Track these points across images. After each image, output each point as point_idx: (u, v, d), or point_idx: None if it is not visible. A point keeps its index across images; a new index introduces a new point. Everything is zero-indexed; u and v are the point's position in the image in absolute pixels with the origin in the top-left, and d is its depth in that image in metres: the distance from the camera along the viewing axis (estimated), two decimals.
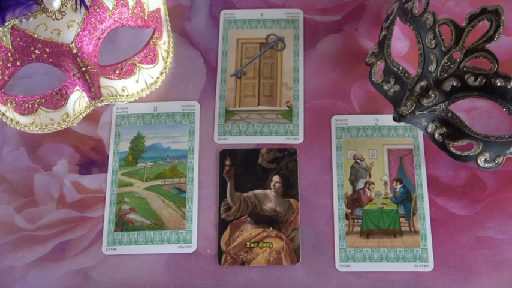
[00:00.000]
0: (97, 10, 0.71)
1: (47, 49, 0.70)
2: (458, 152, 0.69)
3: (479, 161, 0.69)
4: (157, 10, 0.78)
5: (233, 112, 0.78)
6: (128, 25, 0.74)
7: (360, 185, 0.74)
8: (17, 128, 0.76)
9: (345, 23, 0.81)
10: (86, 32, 0.71)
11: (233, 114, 0.78)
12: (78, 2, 0.70)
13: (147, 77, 0.77)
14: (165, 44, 0.79)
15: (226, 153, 0.77)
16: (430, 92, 0.66)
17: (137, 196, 0.75)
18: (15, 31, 0.70)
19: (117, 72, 0.75)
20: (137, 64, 0.76)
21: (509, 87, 0.63)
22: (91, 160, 0.77)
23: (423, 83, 0.67)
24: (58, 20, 0.70)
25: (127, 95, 0.76)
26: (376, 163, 0.75)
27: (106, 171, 0.77)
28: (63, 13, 0.70)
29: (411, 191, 0.74)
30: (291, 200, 0.74)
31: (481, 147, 0.68)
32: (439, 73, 0.66)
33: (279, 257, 0.72)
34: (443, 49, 0.65)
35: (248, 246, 0.73)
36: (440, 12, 0.80)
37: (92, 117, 0.78)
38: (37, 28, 0.70)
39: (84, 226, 0.74)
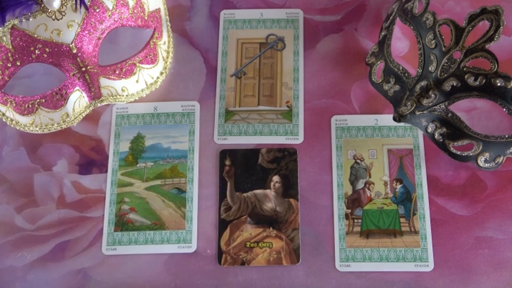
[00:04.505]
0: (97, 10, 0.72)
1: (47, 49, 0.70)
2: (458, 152, 0.69)
3: (479, 161, 0.69)
4: (157, 10, 0.78)
5: (233, 112, 0.78)
6: (128, 25, 0.75)
7: (360, 185, 0.74)
8: (17, 128, 0.76)
9: (345, 23, 0.81)
10: (86, 32, 0.71)
11: (233, 114, 0.78)
12: (78, 2, 0.70)
13: (147, 77, 0.77)
14: (165, 44, 0.79)
15: (226, 153, 0.77)
16: (430, 92, 0.66)
17: (137, 196, 0.75)
18: (15, 31, 0.70)
19: (117, 72, 0.75)
20: (137, 64, 0.76)
21: (509, 87, 0.63)
22: (91, 160, 0.77)
23: (423, 83, 0.67)
24: (58, 20, 0.70)
25: (127, 95, 0.76)
26: (376, 163, 0.75)
27: (106, 171, 0.77)
28: (63, 13, 0.70)
29: (411, 191, 0.74)
30: (291, 200, 0.74)
31: (481, 147, 0.68)
32: (439, 73, 0.66)
33: (279, 257, 0.72)
34: (443, 49, 0.65)
35: (248, 246, 0.73)
36: (440, 12, 0.80)
37: (92, 117, 0.78)
38: (37, 28, 0.70)
39: (84, 226, 0.74)
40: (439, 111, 0.68)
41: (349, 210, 0.73)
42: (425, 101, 0.67)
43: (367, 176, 0.75)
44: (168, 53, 0.80)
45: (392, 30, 0.72)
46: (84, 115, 0.76)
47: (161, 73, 0.79)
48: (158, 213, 0.74)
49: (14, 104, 0.74)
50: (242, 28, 0.82)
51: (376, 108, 0.77)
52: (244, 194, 0.75)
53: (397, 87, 0.71)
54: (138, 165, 0.77)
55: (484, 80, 0.64)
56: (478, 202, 0.73)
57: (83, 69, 0.72)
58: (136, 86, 0.77)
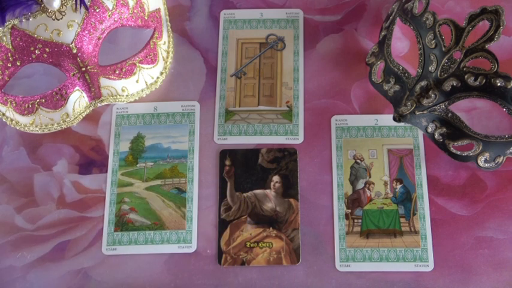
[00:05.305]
0: (97, 10, 0.72)
1: (47, 49, 0.70)
2: (458, 152, 0.69)
3: (479, 161, 0.69)
4: (157, 10, 0.78)
5: (233, 112, 0.78)
6: (128, 25, 0.75)
7: (360, 185, 0.74)
8: (17, 128, 0.76)
9: (345, 23, 0.81)
10: (86, 32, 0.71)
11: (233, 114, 0.78)
12: (78, 2, 0.70)
13: (147, 77, 0.77)
14: (165, 44, 0.79)
15: (226, 153, 0.77)
16: (430, 92, 0.66)
17: (137, 196, 0.75)
18: (15, 31, 0.70)
19: (117, 72, 0.75)
20: (137, 64, 0.76)
21: (509, 87, 0.63)
22: (91, 160, 0.77)
23: (423, 83, 0.67)
24: (58, 20, 0.70)
25: (127, 95, 0.76)
26: (376, 163, 0.75)
27: (106, 171, 0.77)
28: (63, 13, 0.70)
29: (411, 191, 0.74)
30: (291, 200, 0.74)
31: (481, 147, 0.68)
32: (439, 73, 0.66)
33: (279, 257, 0.72)
34: (443, 49, 0.65)
35: (248, 246, 0.73)
36: (440, 12, 0.80)
37: (92, 117, 0.78)
38: (37, 28, 0.70)
39: (84, 226, 0.74)
40: (439, 111, 0.68)
41: (349, 210, 0.73)
42: (425, 101, 0.67)
43: (367, 176, 0.75)
44: (168, 53, 0.80)
45: (392, 30, 0.72)
46: (84, 115, 0.76)
47: (161, 73, 0.79)
48: (158, 213, 0.74)
49: (14, 104, 0.74)
50: (242, 28, 0.82)
51: (376, 108, 0.77)
52: (244, 194, 0.75)
53: (397, 87, 0.71)
54: (138, 165, 0.77)
55: (484, 80, 0.64)
56: (478, 202, 0.73)
57: (83, 69, 0.72)
58: (136, 86, 0.77)
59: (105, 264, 0.73)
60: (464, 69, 0.64)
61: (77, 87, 0.73)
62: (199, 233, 0.74)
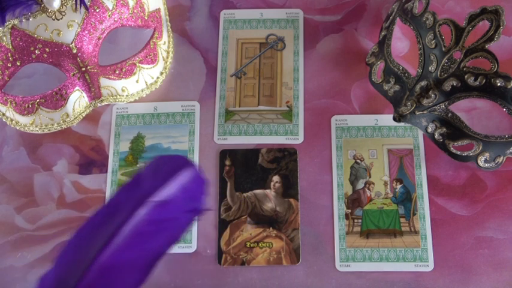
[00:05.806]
0: (97, 10, 0.72)
1: (47, 49, 0.70)
2: (458, 152, 0.69)
3: (479, 161, 0.69)
4: (157, 10, 0.78)
5: (233, 112, 0.78)
6: (128, 25, 0.75)
7: (360, 185, 0.74)
8: (17, 128, 0.76)
9: (345, 23, 0.81)
10: (86, 32, 0.71)
11: (233, 114, 0.78)
12: (78, 2, 0.70)
13: (147, 77, 0.77)
14: (165, 44, 0.79)
15: (226, 153, 0.77)
16: (430, 92, 0.66)
17: None
18: (15, 31, 0.70)
19: (117, 72, 0.75)
20: (137, 64, 0.76)
21: (509, 87, 0.63)
22: (91, 160, 0.77)
23: (423, 83, 0.67)
24: (58, 20, 0.70)
25: (127, 95, 0.76)
26: (376, 163, 0.75)
27: (106, 171, 0.77)
28: (63, 13, 0.70)
29: (411, 191, 0.74)
30: (291, 200, 0.74)
31: (481, 147, 0.68)
32: (439, 73, 0.66)
33: (279, 257, 0.72)
34: (443, 49, 0.65)
35: (248, 246, 0.73)
36: (440, 12, 0.80)
37: (92, 117, 0.78)
38: (37, 28, 0.70)
39: None
40: (439, 111, 0.68)
41: (349, 210, 0.73)
42: (425, 101, 0.67)
43: (367, 176, 0.75)
44: (168, 53, 0.80)
45: (392, 30, 0.72)
46: (84, 115, 0.76)
47: (161, 73, 0.79)
48: None
49: (14, 104, 0.74)
50: (242, 28, 0.82)
51: (376, 108, 0.77)
52: (244, 194, 0.75)
53: (397, 87, 0.71)
54: (138, 165, 0.77)
55: (484, 80, 0.64)
56: (478, 202, 0.73)
57: (83, 69, 0.72)
58: (136, 86, 0.77)
59: None
60: (464, 69, 0.64)
61: (77, 87, 0.73)
62: (199, 233, 0.74)
